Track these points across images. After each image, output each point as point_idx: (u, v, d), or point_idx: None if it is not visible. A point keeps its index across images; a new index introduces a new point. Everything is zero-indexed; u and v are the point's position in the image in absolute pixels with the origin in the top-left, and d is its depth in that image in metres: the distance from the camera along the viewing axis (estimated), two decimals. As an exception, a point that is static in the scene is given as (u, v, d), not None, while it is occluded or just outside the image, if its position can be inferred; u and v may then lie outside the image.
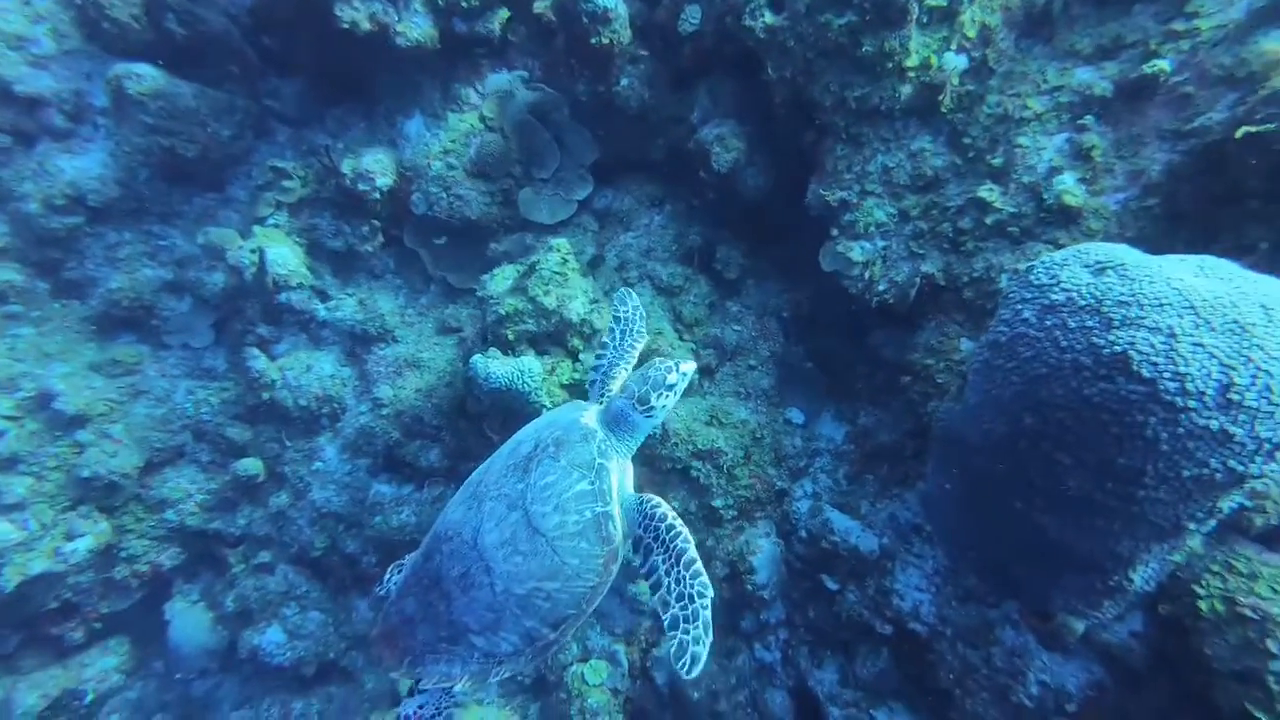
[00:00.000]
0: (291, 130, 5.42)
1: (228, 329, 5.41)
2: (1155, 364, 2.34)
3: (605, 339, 3.41)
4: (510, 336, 4.06)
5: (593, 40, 4.50)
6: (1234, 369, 2.28)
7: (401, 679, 3.05)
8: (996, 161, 3.86)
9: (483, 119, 5.19)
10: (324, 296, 5.22)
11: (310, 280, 5.07)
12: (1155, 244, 3.00)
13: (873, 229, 4.16)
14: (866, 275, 4.14)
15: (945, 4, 3.75)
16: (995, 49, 3.89)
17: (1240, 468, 2.39)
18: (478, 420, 4.30)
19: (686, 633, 2.40)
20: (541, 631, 2.55)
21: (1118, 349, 2.40)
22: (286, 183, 5.05)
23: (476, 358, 3.89)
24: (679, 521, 2.61)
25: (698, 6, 4.56)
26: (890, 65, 3.85)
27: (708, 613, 2.41)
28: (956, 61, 3.82)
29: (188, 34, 4.96)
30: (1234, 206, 3.13)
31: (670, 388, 2.84)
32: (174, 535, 5.22)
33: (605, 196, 5.46)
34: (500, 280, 4.26)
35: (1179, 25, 3.38)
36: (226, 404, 5.22)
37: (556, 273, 4.13)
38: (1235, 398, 2.29)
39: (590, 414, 2.92)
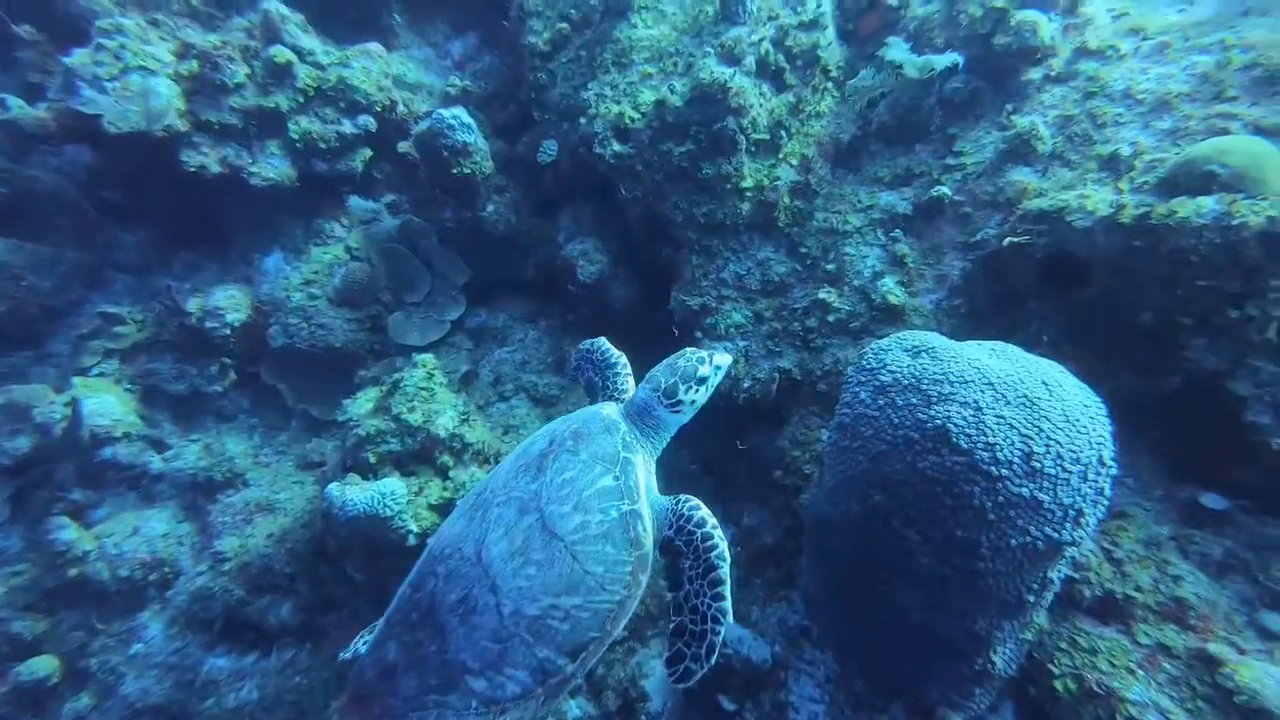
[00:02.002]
0: (134, 278, 5.14)
1: (31, 500, 4.68)
2: (969, 435, 2.53)
3: (574, 367, 3.15)
4: (372, 459, 3.82)
5: (454, 171, 4.72)
6: (1031, 438, 2.50)
7: None
8: (830, 267, 4.28)
9: (348, 249, 5.18)
10: (160, 446, 4.72)
11: (141, 430, 4.60)
12: (965, 339, 3.36)
13: (732, 330, 4.41)
14: (732, 374, 4.33)
15: (769, 137, 4.29)
16: (816, 174, 4.43)
17: (1055, 534, 2.56)
18: (338, 561, 3.91)
19: (689, 646, 2.18)
20: (557, 663, 2.09)
21: (938, 422, 2.58)
22: (119, 328, 4.70)
23: (332, 486, 3.60)
24: (718, 532, 2.31)
25: (554, 140, 4.94)
26: (729, 187, 4.30)
27: (718, 639, 2.19)
28: (787, 173, 4.30)
29: (8, 191, 4.72)
30: (1017, 305, 3.61)
31: (702, 381, 2.54)
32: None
33: (479, 315, 5.51)
34: (362, 402, 4.07)
35: (951, 161, 4.03)
36: (16, 592, 4.37)
37: (422, 388, 4.01)
38: (1037, 465, 2.49)
39: (610, 407, 2.59)
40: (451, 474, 3.96)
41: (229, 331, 4.76)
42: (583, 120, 4.53)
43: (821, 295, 4.24)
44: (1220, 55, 3.31)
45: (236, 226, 5.09)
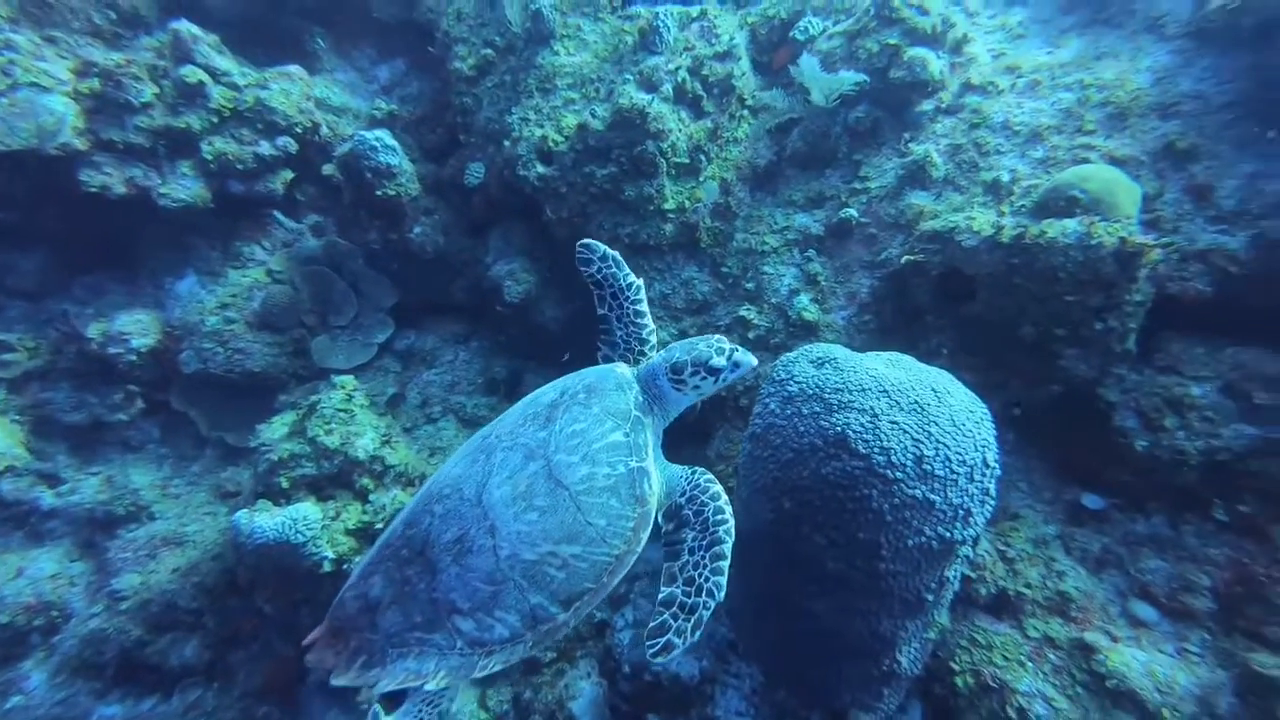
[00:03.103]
0: (29, 303, 4.85)
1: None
2: (866, 440, 2.65)
3: (600, 310, 2.81)
4: (285, 484, 3.69)
5: (379, 193, 4.69)
6: (922, 442, 2.64)
7: (351, 685, 2.07)
8: (750, 286, 4.44)
9: (270, 273, 5.05)
10: (53, 480, 4.43)
11: (30, 463, 4.31)
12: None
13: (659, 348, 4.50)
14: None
15: (689, 161, 4.45)
16: (735, 197, 4.61)
17: (947, 534, 2.70)
18: (249, 593, 3.74)
19: (675, 618, 2.08)
20: (549, 610, 2.05)
21: (838, 429, 2.70)
22: (8, 355, 4.42)
23: (240, 513, 3.46)
24: (729, 509, 2.26)
25: (480, 163, 4.98)
26: (652, 208, 4.42)
27: (707, 614, 2.09)
28: (708, 195, 4.45)
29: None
30: (919, 320, 3.84)
31: (712, 372, 2.41)
32: None
33: (408, 338, 5.44)
34: (277, 426, 3.94)
35: (857, 185, 4.28)
36: None
37: (340, 410, 3.92)
38: (928, 468, 2.64)
39: (624, 368, 2.55)
40: (372, 497, 3.87)
41: (135, 357, 4.54)
42: (507, 143, 4.60)
43: (742, 313, 4.39)
44: (1080, 93, 3.67)
45: (146, 249, 4.89)
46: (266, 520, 3.34)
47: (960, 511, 2.71)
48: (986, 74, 4.00)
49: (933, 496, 2.64)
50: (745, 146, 4.64)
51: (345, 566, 3.51)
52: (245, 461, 4.79)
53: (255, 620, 3.71)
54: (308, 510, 3.46)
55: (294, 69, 4.85)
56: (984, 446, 2.71)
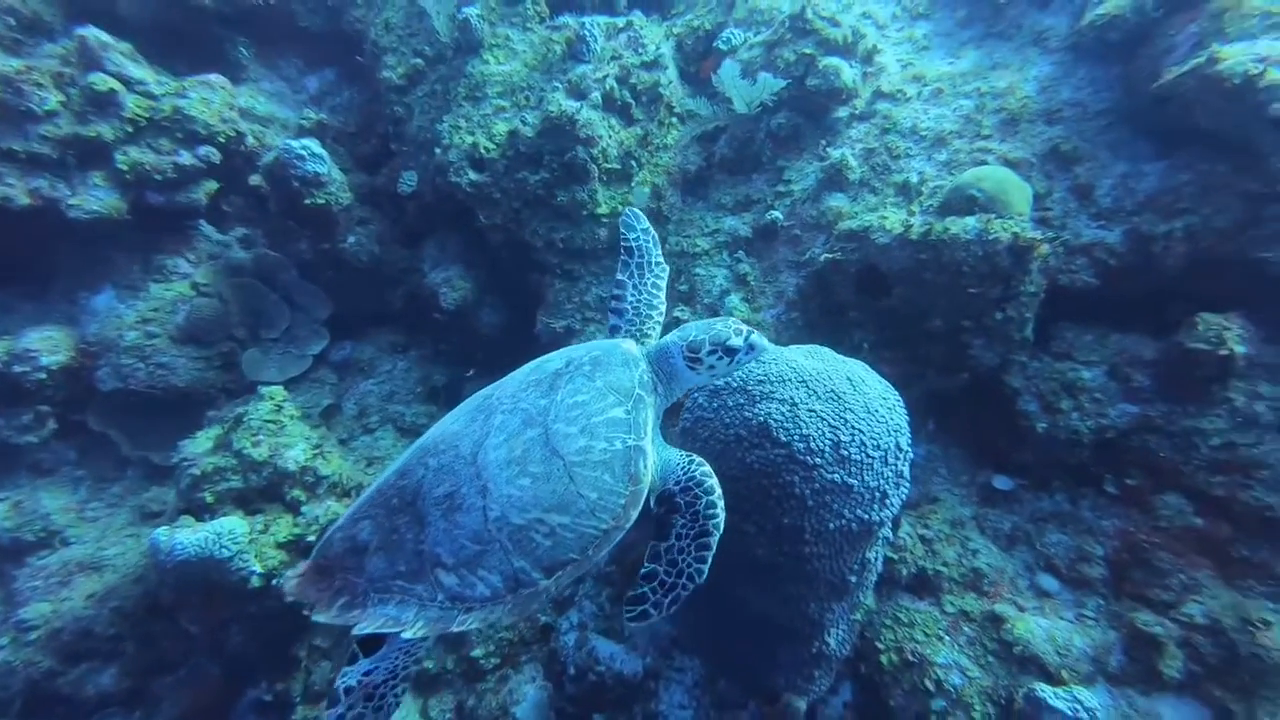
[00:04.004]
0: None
1: None
2: (787, 428, 2.76)
3: (619, 275, 2.81)
4: (209, 499, 3.58)
5: (307, 202, 4.62)
6: (839, 429, 2.77)
7: (330, 623, 2.07)
8: (683, 288, 4.55)
9: (195, 286, 4.89)
10: (-48, 508, 4.18)
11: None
12: (797, 345, 3.68)
13: (595, 353, 4.55)
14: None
15: (620, 167, 4.54)
16: (667, 202, 4.73)
17: (865, 515, 2.83)
18: (173, 615, 3.59)
19: (654, 592, 2.15)
20: (532, 575, 2.05)
21: (760, 419, 2.81)
22: (-95, 377, 4.16)
23: (158, 531, 3.33)
24: (721, 503, 2.28)
25: (413, 171, 4.96)
26: (585, 213, 4.49)
27: (685, 594, 2.17)
28: (641, 196, 4.56)
29: None
30: (841, 316, 4.01)
31: (729, 352, 2.37)
32: None
33: (344, 348, 5.34)
34: (201, 440, 3.82)
35: (781, 188, 4.45)
36: None
37: (269, 421, 3.82)
38: (844, 453, 2.77)
39: (631, 344, 2.51)
40: (305, 509, 3.78)
41: (44, 376, 4.32)
42: (439, 150, 4.61)
43: (677, 314, 4.48)
44: (978, 100, 3.94)
45: (57, 263, 4.67)
46: (188, 536, 3.23)
47: (877, 494, 2.85)
48: (896, 82, 4.25)
49: (850, 480, 2.78)
50: (675, 153, 4.77)
51: (276, 582, 3.43)
52: (171, 480, 4.61)
53: (181, 643, 3.57)
54: (233, 524, 3.37)
55: (214, 78, 4.73)
56: (897, 431, 2.86)
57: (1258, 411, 3.03)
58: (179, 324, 4.76)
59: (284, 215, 4.80)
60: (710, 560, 2.20)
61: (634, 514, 2.20)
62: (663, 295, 2.81)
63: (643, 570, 2.19)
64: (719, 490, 2.30)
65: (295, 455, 3.78)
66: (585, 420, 2.18)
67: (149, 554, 3.35)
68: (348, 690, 2.16)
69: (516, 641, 4.14)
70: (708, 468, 2.34)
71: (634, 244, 2.85)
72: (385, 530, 2.09)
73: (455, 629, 2.02)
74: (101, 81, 4.16)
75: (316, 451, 3.93)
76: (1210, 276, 3.25)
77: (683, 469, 2.33)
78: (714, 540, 2.22)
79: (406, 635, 2.00)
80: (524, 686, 4.00)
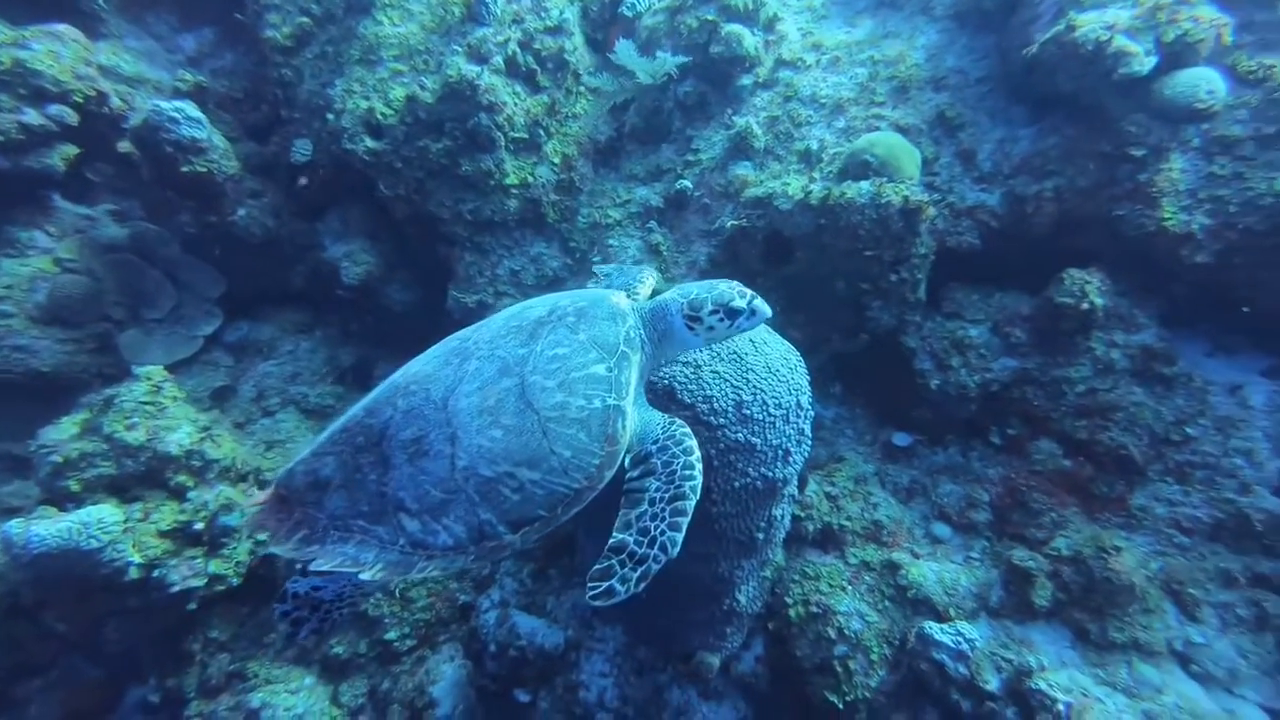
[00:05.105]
0: None
1: None
2: (690, 390, 2.78)
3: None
4: (75, 487, 3.29)
5: (184, 169, 4.26)
6: (741, 389, 2.81)
7: (287, 555, 2.00)
8: (597, 259, 4.49)
9: (58, 261, 4.44)
10: None
11: None
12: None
13: (508, 326, 4.45)
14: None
15: (528, 136, 4.42)
16: (578, 172, 4.64)
17: (770, 473, 2.89)
18: (35, 616, 3.30)
19: (623, 565, 1.99)
20: (497, 529, 1.98)
21: (665, 382, 2.82)
22: None
23: (11, 523, 3.03)
24: (699, 465, 2.15)
25: (307, 139, 4.67)
26: (493, 183, 4.36)
27: (656, 567, 2.00)
28: (546, 178, 4.46)
29: None
30: (751, 282, 4.03)
31: (731, 314, 2.26)
32: None
33: (241, 329, 5.01)
34: (65, 426, 3.49)
35: (690, 157, 4.45)
36: None
37: (145, 403, 3.54)
38: (747, 413, 2.81)
39: (621, 297, 2.38)
40: (191, 494, 3.53)
41: None
42: (331, 116, 4.35)
43: (590, 286, 4.44)
44: (872, 69, 4.05)
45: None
46: (46, 528, 2.95)
47: (780, 452, 2.91)
48: (796, 51, 4.31)
49: (753, 439, 2.83)
50: (585, 122, 4.68)
51: (157, 573, 3.20)
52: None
53: (49, 643, 3.28)
54: (103, 512, 3.10)
55: (63, 28, 4.25)
56: (798, 390, 2.93)
57: (1114, 359, 3.30)
58: (40, 303, 4.32)
59: (159, 184, 4.42)
60: (685, 528, 2.07)
61: (608, 475, 2.13)
62: (648, 280, 2.75)
63: (611, 541, 2.05)
64: (698, 451, 2.18)
65: (178, 439, 3.51)
66: (564, 375, 2.09)
67: (2, 549, 3.05)
68: (295, 595, 2.16)
69: (434, 622, 4.05)
70: (688, 429, 2.24)
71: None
72: (349, 468, 2.03)
73: (416, 575, 1.98)
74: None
75: (204, 435, 3.67)
76: (1076, 234, 3.49)
77: (662, 428, 2.23)
78: (690, 505, 2.09)
79: (365, 577, 1.95)
80: (441, 666, 3.93)
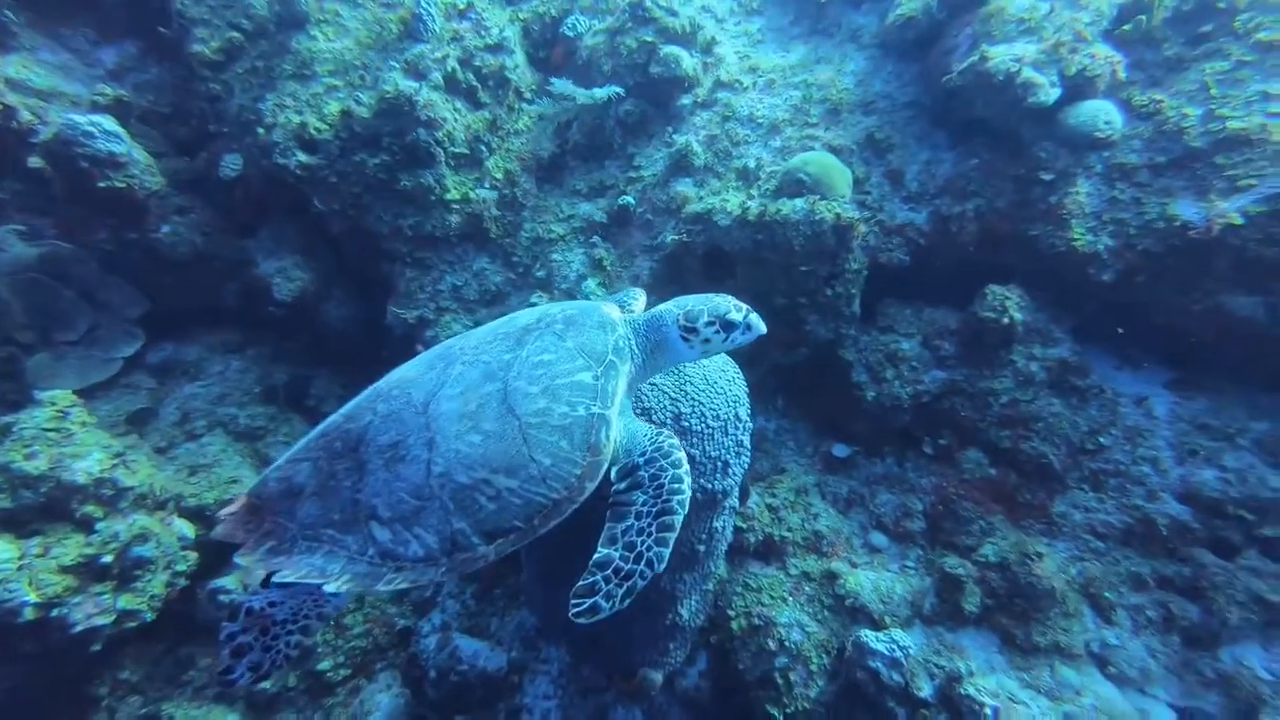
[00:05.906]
0: None
1: None
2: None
3: None
4: (-38, 527, 3.05)
5: (102, 185, 4.06)
6: (679, 401, 2.81)
7: (253, 567, 1.89)
8: (540, 274, 4.48)
9: (-43, 281, 4.16)
10: None
11: None
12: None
13: (451, 342, 4.38)
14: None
15: (469, 152, 4.38)
16: (521, 188, 4.63)
17: (709, 485, 2.89)
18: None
19: (608, 581, 1.92)
20: (470, 540, 1.90)
21: None
22: None
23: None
24: (688, 479, 2.08)
25: (237, 154, 4.52)
26: (433, 198, 4.29)
27: (643, 583, 1.94)
28: (487, 194, 4.43)
29: None
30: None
31: (726, 327, 2.22)
32: None
33: (164, 349, 4.77)
34: (-48, 462, 3.25)
35: (632, 174, 4.50)
36: None
37: (48, 429, 3.32)
38: (685, 425, 2.81)
39: (612, 308, 2.33)
40: (100, 525, 3.32)
41: None
42: (261, 130, 4.22)
43: (534, 300, 4.41)
44: (805, 91, 4.19)
45: None
46: (-74, 572, 2.73)
47: (719, 463, 2.92)
48: (734, 73, 4.42)
49: (692, 451, 2.82)
50: (528, 139, 4.68)
51: (57, 612, 2.98)
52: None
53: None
54: (-6, 552, 2.89)
55: (-34, 37, 4.04)
56: (736, 402, 2.94)
57: (1033, 371, 3.45)
58: (-63, 327, 4.03)
59: (74, 201, 4.20)
60: (672, 544, 2.01)
61: (590, 486, 2.06)
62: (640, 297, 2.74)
63: (596, 557, 2.00)
64: (686, 465, 2.13)
65: (86, 466, 3.31)
66: (549, 381, 2.05)
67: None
68: (249, 612, 2.03)
69: (371, 649, 3.91)
70: (676, 440, 2.19)
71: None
72: (324, 474, 1.96)
73: (382, 588, 1.89)
74: None
75: (117, 461, 3.47)
76: (998, 251, 3.66)
77: (649, 440, 2.17)
78: (678, 520, 2.05)
79: (329, 589, 1.86)
80: (377, 696, 3.78)
